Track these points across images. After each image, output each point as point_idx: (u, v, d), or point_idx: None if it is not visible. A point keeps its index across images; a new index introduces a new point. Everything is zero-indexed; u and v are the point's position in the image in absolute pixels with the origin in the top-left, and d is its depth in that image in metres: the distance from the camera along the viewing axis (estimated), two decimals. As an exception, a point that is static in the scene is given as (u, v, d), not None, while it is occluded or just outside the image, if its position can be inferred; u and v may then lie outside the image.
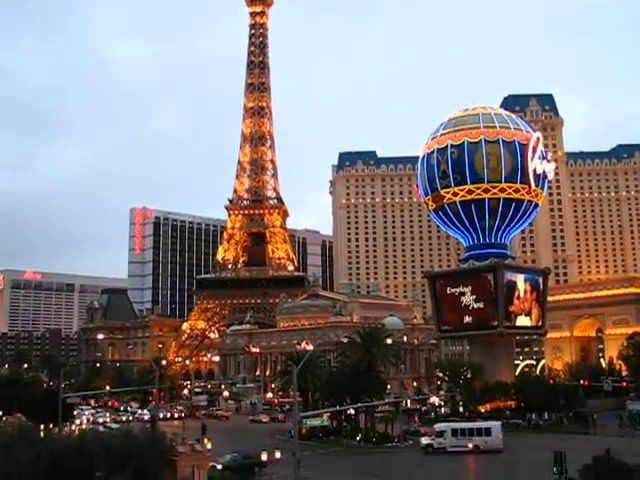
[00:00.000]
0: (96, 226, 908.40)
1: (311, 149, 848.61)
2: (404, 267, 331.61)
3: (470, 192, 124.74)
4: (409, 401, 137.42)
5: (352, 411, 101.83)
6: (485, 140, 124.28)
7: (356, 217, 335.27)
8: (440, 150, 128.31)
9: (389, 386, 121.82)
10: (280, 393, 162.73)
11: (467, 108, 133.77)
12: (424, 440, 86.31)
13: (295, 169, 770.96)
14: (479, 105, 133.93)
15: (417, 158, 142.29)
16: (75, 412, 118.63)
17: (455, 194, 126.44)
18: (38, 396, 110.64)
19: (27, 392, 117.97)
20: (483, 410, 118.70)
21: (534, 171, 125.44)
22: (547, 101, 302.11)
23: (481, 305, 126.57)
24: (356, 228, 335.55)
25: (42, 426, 78.92)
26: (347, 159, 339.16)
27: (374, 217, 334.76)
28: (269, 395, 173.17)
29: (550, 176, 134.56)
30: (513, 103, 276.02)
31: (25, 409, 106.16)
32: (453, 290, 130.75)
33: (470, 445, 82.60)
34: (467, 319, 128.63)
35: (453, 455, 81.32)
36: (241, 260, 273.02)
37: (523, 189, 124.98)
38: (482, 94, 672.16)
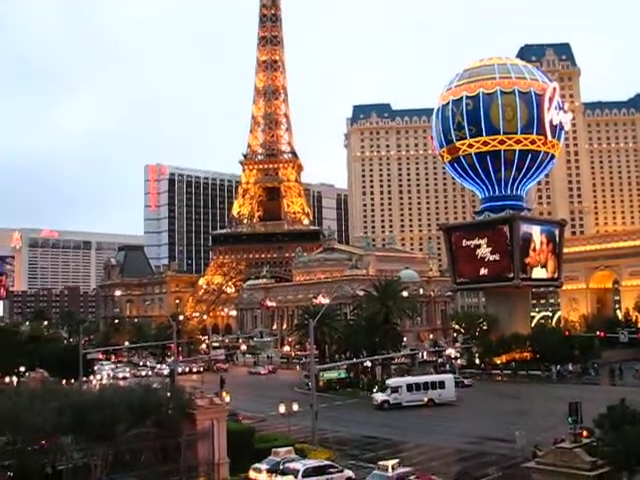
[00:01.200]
0: (112, 184, 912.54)
1: (325, 102, 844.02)
2: (419, 220, 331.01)
3: (485, 144, 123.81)
4: (425, 353, 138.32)
5: (369, 363, 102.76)
6: (501, 91, 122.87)
7: (371, 170, 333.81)
8: (455, 102, 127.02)
9: (405, 338, 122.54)
10: (297, 346, 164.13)
11: (482, 59, 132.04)
12: (380, 397, 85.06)
13: (309, 123, 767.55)
14: (495, 56, 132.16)
15: (432, 110, 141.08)
16: (95, 367, 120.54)
17: (470, 146, 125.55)
18: (59, 352, 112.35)
19: (48, 348, 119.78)
20: (499, 362, 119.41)
21: (550, 122, 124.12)
22: (564, 50, 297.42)
23: (497, 257, 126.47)
24: (371, 181, 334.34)
25: (64, 381, 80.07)
26: (361, 112, 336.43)
27: (389, 170, 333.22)
28: (286, 348, 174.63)
29: (567, 127, 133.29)
30: (529, 53, 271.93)
31: (47, 365, 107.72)
32: (469, 242, 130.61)
33: (425, 399, 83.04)
34: (483, 271, 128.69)
35: (471, 405, 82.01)
36: (256, 215, 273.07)
37: (539, 140, 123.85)
38: (498, 45, 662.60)
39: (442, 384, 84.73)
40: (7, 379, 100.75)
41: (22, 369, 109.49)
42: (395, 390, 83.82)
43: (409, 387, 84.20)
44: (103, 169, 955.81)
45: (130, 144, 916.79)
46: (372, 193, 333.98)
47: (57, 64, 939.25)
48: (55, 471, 44.39)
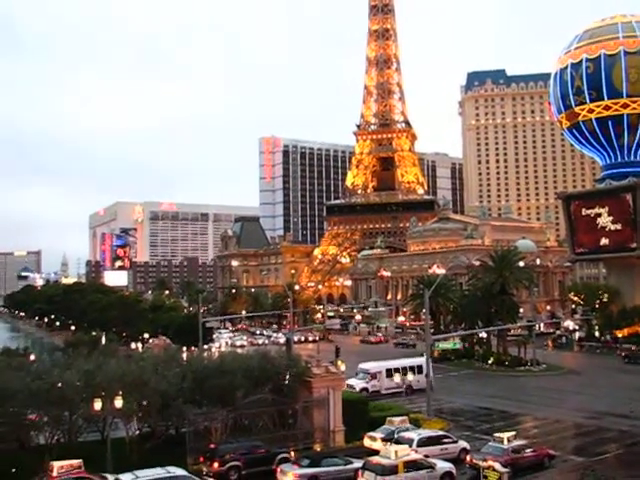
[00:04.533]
0: (228, 157, 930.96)
1: (438, 70, 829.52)
2: (536, 188, 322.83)
3: (607, 108, 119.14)
4: (542, 325, 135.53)
5: (484, 334, 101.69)
6: (624, 51, 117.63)
7: (486, 138, 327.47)
8: (574, 65, 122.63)
9: (522, 309, 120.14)
10: (412, 316, 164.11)
11: (604, 18, 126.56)
12: (357, 384, 72.84)
13: (422, 91, 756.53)
14: (618, 14, 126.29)
15: (549, 75, 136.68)
16: (214, 335, 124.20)
17: (591, 111, 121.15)
18: (179, 320, 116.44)
19: (169, 317, 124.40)
20: (620, 335, 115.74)
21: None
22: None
23: (619, 226, 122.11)
24: (486, 149, 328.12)
25: (184, 348, 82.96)
26: (475, 79, 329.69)
27: (504, 138, 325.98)
28: (401, 318, 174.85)
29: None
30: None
31: (168, 332, 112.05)
32: (589, 211, 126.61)
33: (404, 385, 73.17)
34: (604, 241, 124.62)
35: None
36: (370, 185, 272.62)
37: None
38: (621, 3, 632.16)
39: (420, 369, 73.65)
40: (133, 345, 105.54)
41: (146, 336, 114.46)
42: (374, 377, 74.88)
43: (388, 372, 75.20)
44: (219, 143, 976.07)
45: (245, 117, 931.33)
46: (487, 162, 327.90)
47: (169, 43, 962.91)
48: (178, 433, 46.39)
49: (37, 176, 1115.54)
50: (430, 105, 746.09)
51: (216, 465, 41.66)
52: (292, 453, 43.80)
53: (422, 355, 78.47)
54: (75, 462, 37.42)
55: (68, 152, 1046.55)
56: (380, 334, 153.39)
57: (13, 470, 39.27)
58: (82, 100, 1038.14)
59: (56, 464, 36.99)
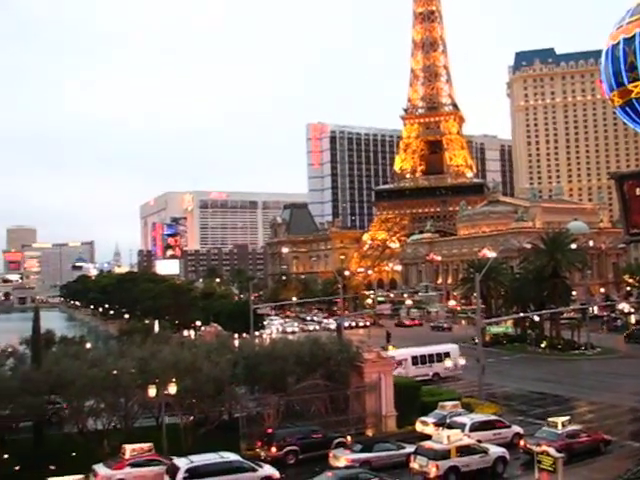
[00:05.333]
0: (276, 144, 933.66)
1: (485, 51, 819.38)
2: (588, 169, 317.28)
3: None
4: (596, 308, 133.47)
5: (536, 318, 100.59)
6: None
7: (535, 119, 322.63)
8: (627, 40, 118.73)
9: (574, 292, 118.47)
10: (462, 301, 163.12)
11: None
12: None
13: (470, 73, 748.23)
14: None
15: (600, 52, 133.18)
16: (265, 322, 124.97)
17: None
18: (231, 307, 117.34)
19: (221, 304, 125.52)
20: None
21: None
22: None
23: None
24: (536, 130, 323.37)
25: (236, 335, 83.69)
26: (524, 58, 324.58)
27: (554, 118, 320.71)
28: (451, 303, 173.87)
29: None
30: None
31: (220, 319, 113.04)
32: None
33: (430, 373, 72.34)
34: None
35: None
36: (419, 169, 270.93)
37: None
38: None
39: (447, 355, 72.83)
40: (185, 332, 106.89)
41: (198, 323, 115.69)
42: (400, 363, 70.04)
43: (414, 360, 73.16)
44: (267, 130, 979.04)
45: (292, 103, 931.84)
46: (537, 143, 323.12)
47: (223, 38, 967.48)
48: (231, 418, 46.95)
49: (90, 168, 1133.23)
50: (478, 87, 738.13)
51: (274, 449, 42.13)
52: (349, 438, 44.00)
53: (460, 342, 78.29)
54: (146, 445, 38.71)
55: (120, 143, 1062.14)
56: (417, 319, 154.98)
57: (73, 454, 40.36)
58: (134, 91, 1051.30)
59: (128, 447, 38.19)
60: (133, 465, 37.34)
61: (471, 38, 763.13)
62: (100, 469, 37.40)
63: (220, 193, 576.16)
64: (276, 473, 37.84)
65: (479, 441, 40.72)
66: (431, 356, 73.85)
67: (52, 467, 37.87)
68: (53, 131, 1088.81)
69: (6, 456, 39.96)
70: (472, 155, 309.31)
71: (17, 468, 38.83)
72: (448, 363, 68.80)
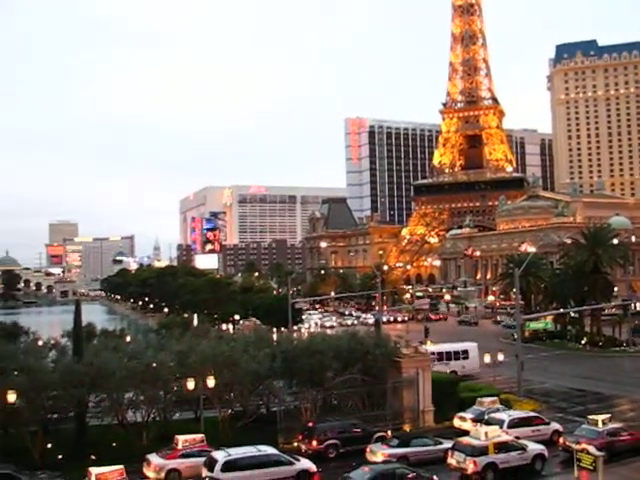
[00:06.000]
0: (314, 139, 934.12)
1: (525, 44, 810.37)
2: (631, 163, 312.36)
3: None
4: (638, 304, 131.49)
5: (576, 314, 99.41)
6: None
7: (576, 112, 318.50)
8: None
9: (616, 288, 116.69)
10: (502, 296, 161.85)
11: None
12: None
13: (509, 67, 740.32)
14: None
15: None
16: (303, 316, 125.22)
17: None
18: (269, 302, 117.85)
19: (259, 298, 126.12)
20: None
21: None
22: None
23: None
24: (577, 124, 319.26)
25: (274, 329, 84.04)
26: (565, 51, 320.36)
27: (596, 111, 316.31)
28: (490, 298, 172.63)
29: None
30: None
31: (258, 313, 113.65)
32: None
33: (447, 371, 67.16)
34: None
35: None
36: (458, 163, 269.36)
37: None
38: None
39: (466, 353, 71.33)
40: (223, 326, 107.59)
41: (236, 317, 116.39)
42: None
43: (438, 356, 68.97)
44: (305, 125, 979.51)
45: (331, 98, 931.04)
46: (578, 137, 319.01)
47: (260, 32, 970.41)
48: (269, 412, 47.23)
49: (130, 163, 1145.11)
50: (518, 80, 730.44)
51: (314, 443, 42.27)
52: (389, 432, 44.00)
53: (500, 337, 77.15)
54: (198, 436, 39.41)
55: (160, 139, 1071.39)
56: (444, 313, 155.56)
57: (113, 444, 41.00)
58: (175, 88, 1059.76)
59: (181, 437, 38.92)
60: (185, 455, 38.01)
61: (511, 31, 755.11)
62: (153, 458, 38.31)
63: (259, 187, 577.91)
64: (313, 467, 37.92)
65: (517, 438, 40.40)
66: (449, 354, 71.07)
67: (93, 457, 38.69)
68: (93, 128, 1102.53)
69: (49, 446, 40.82)
70: (512, 149, 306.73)
71: (60, 457, 39.58)
72: (469, 360, 67.82)
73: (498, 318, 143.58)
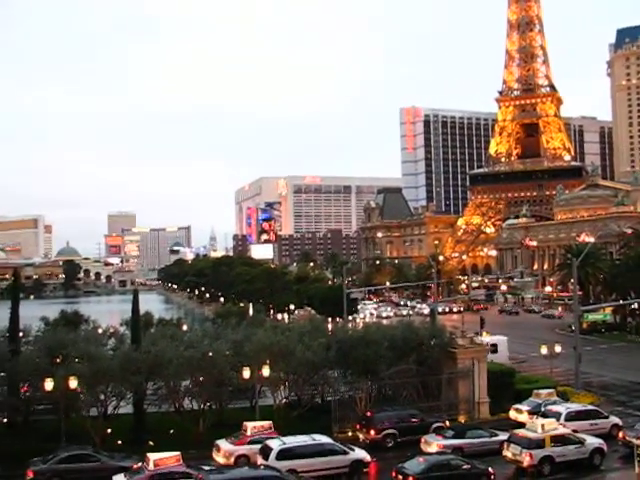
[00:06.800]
0: (369, 129, 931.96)
1: (584, 29, 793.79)
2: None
3: None
4: None
5: (637, 305, 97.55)
6: None
7: (638, 99, 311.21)
8: None
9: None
10: (559, 287, 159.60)
11: None
12: None
13: (567, 52, 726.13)
14: None
15: None
16: (358, 306, 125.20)
17: None
18: (324, 292, 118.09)
19: (314, 288, 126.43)
20: None
21: None
22: None
23: None
24: (638, 111, 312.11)
25: (329, 319, 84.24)
26: (626, 35, 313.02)
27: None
28: (547, 289, 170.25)
29: None
30: None
31: (313, 303, 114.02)
32: None
33: None
34: None
35: None
36: (514, 152, 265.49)
37: None
38: None
39: (495, 348, 67.14)
40: (279, 316, 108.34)
41: (291, 307, 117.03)
42: None
43: None
44: (360, 115, 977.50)
45: (385, 87, 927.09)
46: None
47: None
48: (324, 402, 47.45)
49: (186, 155, 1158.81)
50: (576, 66, 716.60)
51: (372, 432, 42.44)
52: (447, 423, 43.88)
53: (557, 329, 76.02)
54: (266, 423, 40.00)
55: (215, 130, 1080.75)
56: (481, 301, 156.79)
57: (171, 431, 41.70)
58: (230, 79, 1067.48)
59: (249, 424, 39.58)
60: (254, 442, 38.44)
61: (570, 15, 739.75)
62: (223, 444, 39.13)
63: (314, 177, 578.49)
64: (367, 456, 37.99)
65: (575, 431, 39.85)
66: None
67: (151, 443, 39.51)
68: (149, 119, 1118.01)
69: (109, 431, 41.74)
70: (570, 138, 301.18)
71: (119, 442, 40.42)
72: (497, 354, 66.04)
73: (535, 308, 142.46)
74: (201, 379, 43.42)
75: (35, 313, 72.07)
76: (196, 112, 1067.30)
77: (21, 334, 47.94)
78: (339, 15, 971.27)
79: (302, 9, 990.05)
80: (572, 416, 42.91)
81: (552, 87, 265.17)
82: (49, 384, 39.74)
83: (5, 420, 43.65)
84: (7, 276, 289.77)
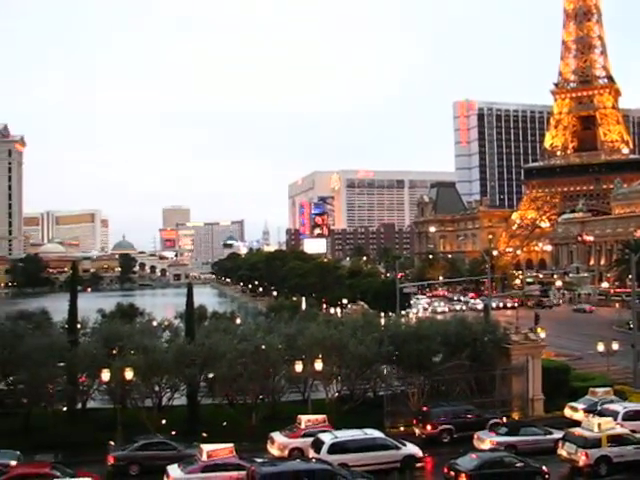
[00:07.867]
0: (422, 122, 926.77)
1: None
2: None
3: None
4: None
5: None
6: None
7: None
8: None
9: None
10: (616, 283, 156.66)
11: None
12: None
13: (627, 42, 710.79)
14: None
15: None
16: (411, 301, 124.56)
17: None
18: (377, 286, 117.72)
19: (367, 282, 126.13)
20: None
21: None
22: None
23: None
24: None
25: (382, 313, 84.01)
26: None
27: None
28: (604, 285, 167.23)
29: None
30: None
31: (366, 298, 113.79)
32: None
33: None
34: None
35: None
36: (570, 146, 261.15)
37: None
38: None
39: None
40: (332, 310, 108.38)
41: (344, 301, 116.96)
42: None
43: None
44: (413, 109, 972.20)
45: (438, 81, 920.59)
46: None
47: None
48: (376, 396, 47.43)
49: (240, 149, 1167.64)
50: (636, 57, 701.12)
51: (429, 427, 42.36)
52: (504, 419, 43.52)
53: (614, 326, 74.41)
54: (320, 417, 40.24)
55: (269, 125, 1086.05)
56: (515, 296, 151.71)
57: (224, 423, 42.14)
58: (283, 73, 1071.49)
59: (304, 417, 39.89)
60: (308, 435, 38.68)
61: (629, 4, 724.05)
62: (277, 437, 39.51)
63: (367, 172, 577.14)
64: (419, 452, 37.89)
65: (633, 431, 38.97)
66: None
67: (204, 434, 40.02)
68: (207, 115, 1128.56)
69: (164, 422, 42.38)
70: (629, 130, 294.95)
71: (174, 433, 41.06)
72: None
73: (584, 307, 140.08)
74: (254, 372, 43.72)
75: (92, 305, 73.50)
76: (251, 108, 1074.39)
77: (79, 326, 49.06)
78: (398, 11, 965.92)
79: (362, 4, 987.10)
80: (630, 416, 41.94)
81: (610, 78, 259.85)
82: (106, 375, 40.68)
83: (65, 409, 44.71)
84: (66, 269, 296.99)
